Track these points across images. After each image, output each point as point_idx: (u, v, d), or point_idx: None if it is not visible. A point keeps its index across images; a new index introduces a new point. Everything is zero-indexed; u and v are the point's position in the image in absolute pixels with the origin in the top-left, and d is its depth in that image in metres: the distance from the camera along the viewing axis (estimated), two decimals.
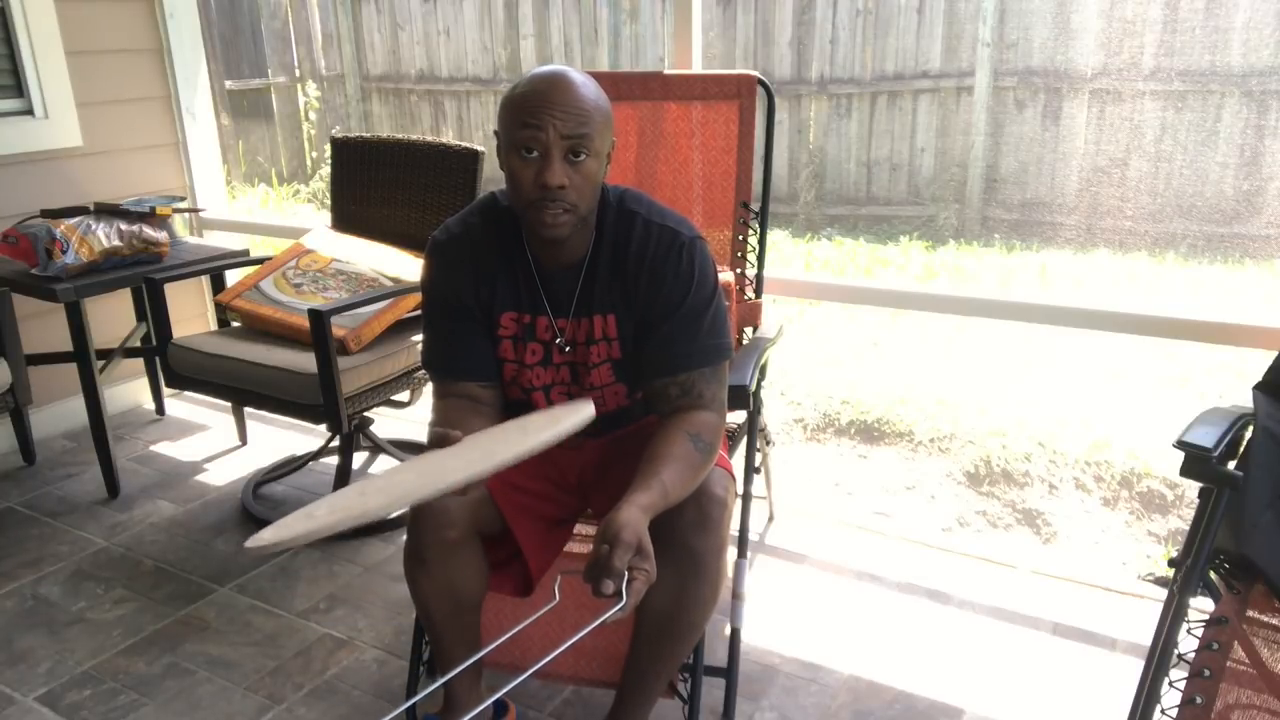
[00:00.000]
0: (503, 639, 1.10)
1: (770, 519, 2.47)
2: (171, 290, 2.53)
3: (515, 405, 1.56)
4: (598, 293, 1.45)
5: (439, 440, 1.26)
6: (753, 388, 1.92)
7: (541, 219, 1.34)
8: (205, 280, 3.17)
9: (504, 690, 1.12)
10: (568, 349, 1.49)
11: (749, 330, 2.13)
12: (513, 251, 1.46)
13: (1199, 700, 1.34)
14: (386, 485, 1.11)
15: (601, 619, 1.11)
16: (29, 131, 2.88)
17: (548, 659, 1.05)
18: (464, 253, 1.47)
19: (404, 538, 1.51)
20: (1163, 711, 1.41)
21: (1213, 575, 1.44)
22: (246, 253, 2.83)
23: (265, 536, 1.00)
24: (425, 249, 1.50)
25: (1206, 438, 1.38)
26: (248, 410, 2.98)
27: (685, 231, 1.44)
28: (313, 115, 7.17)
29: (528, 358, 1.49)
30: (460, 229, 1.48)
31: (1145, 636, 1.56)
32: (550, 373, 1.51)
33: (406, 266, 2.50)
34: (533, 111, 1.30)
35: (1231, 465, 1.45)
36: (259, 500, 2.61)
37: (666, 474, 1.30)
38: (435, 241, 1.49)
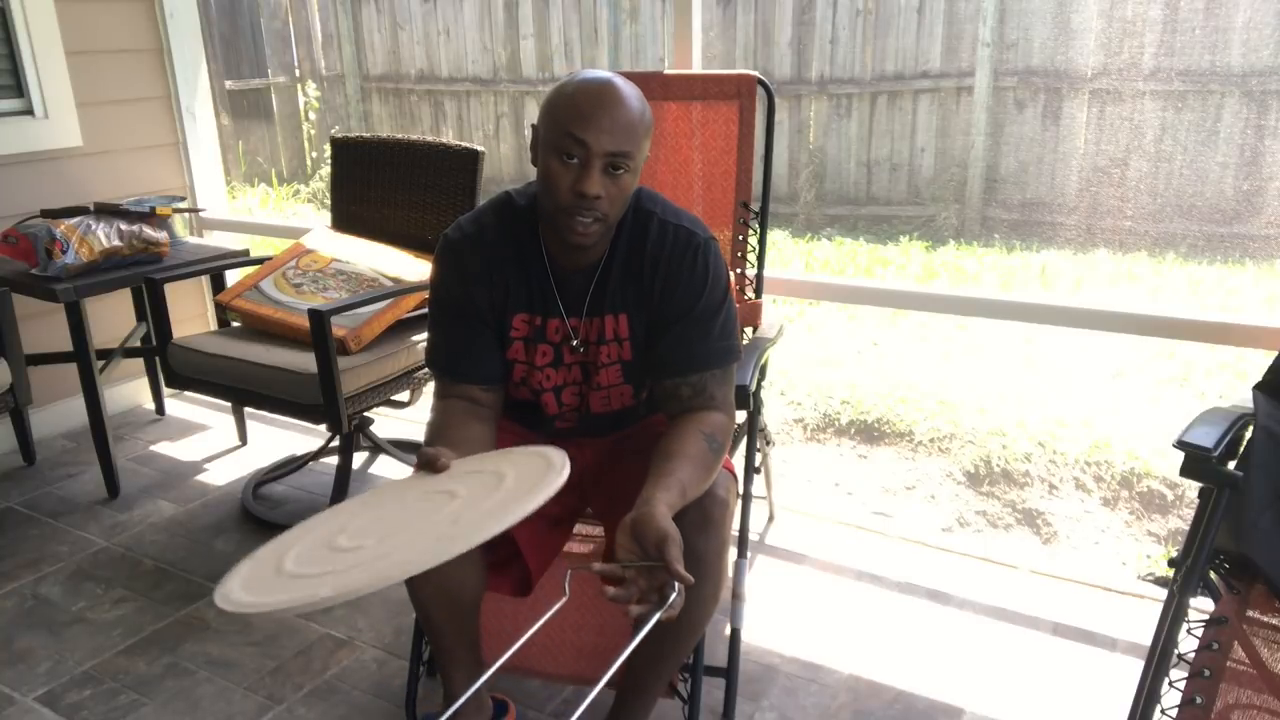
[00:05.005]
0: (516, 646, 1.09)
1: (770, 519, 2.47)
2: (171, 290, 2.53)
3: (524, 406, 1.56)
4: (610, 292, 1.45)
5: (428, 462, 1.26)
6: (753, 388, 1.92)
7: (572, 226, 1.33)
8: (205, 280, 3.17)
9: (587, 698, 1.12)
10: (581, 349, 1.48)
11: (749, 330, 2.13)
12: (527, 252, 1.46)
13: (1199, 700, 1.34)
14: (346, 570, 1.03)
15: (656, 617, 1.12)
16: (29, 131, 2.88)
17: (605, 678, 1.05)
18: (477, 252, 1.46)
19: None
20: (1163, 711, 1.41)
21: (1213, 575, 1.44)
22: (246, 253, 2.83)
23: (240, 599, 1.00)
24: (437, 247, 1.49)
25: (1206, 438, 1.38)
26: (248, 410, 2.98)
27: (700, 233, 1.44)
28: (313, 115, 7.17)
29: (538, 359, 1.49)
30: (474, 228, 1.47)
31: (1145, 636, 1.56)
32: (561, 373, 1.50)
33: (406, 266, 2.50)
34: (579, 123, 1.29)
35: (1231, 465, 1.45)
36: (259, 500, 2.61)
37: (683, 473, 1.30)
38: (448, 240, 1.48)
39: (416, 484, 1.25)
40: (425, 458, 1.27)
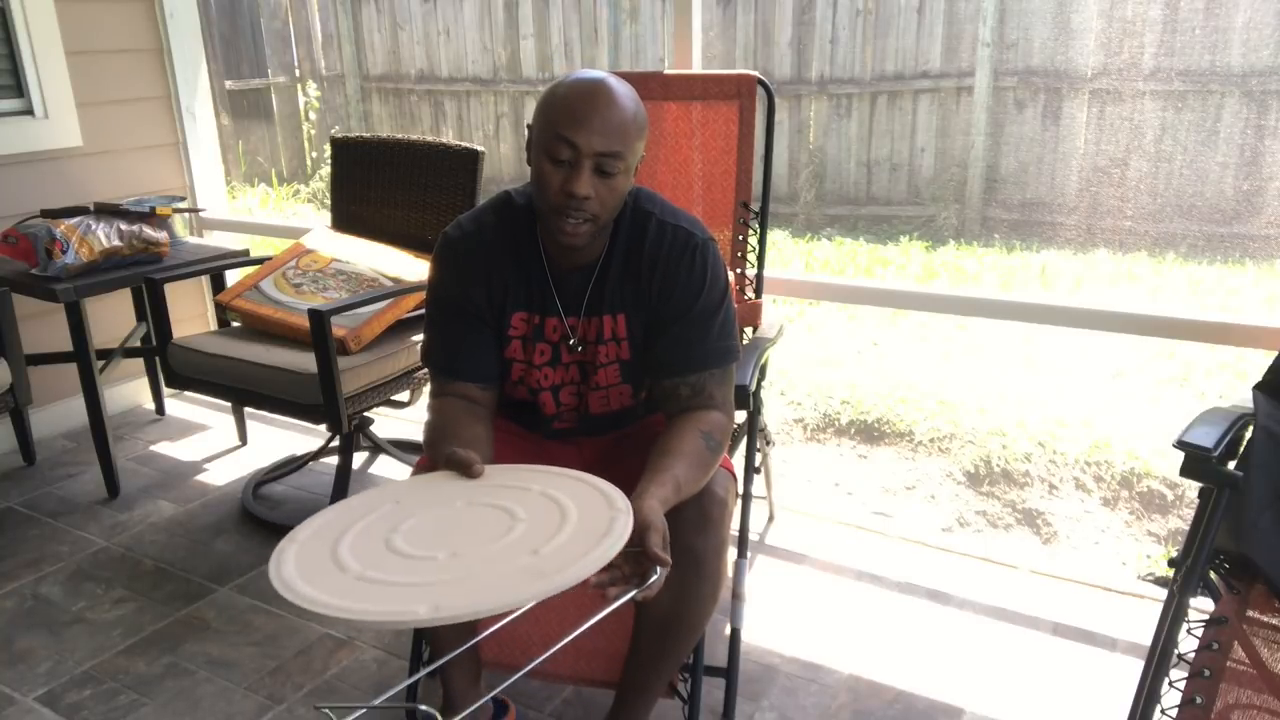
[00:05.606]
0: (500, 624, 1.10)
1: (770, 519, 2.47)
2: (171, 290, 2.53)
3: (521, 405, 1.56)
4: (608, 292, 1.45)
5: (461, 465, 1.26)
6: (753, 388, 1.92)
7: (562, 226, 1.34)
8: (205, 280, 3.17)
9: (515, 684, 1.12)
10: (580, 348, 1.49)
11: (749, 330, 2.13)
12: (526, 251, 1.46)
13: (1199, 700, 1.34)
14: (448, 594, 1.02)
15: (631, 594, 1.14)
16: (29, 131, 2.88)
17: (557, 646, 1.06)
18: (476, 251, 1.46)
19: None
20: (1163, 711, 1.41)
21: (1213, 575, 1.44)
22: (246, 253, 2.83)
23: (309, 594, 1.00)
24: (436, 245, 1.49)
25: (1206, 438, 1.38)
26: (248, 410, 2.98)
27: (699, 233, 1.44)
28: (313, 115, 7.17)
29: (536, 358, 1.49)
30: (474, 227, 1.47)
31: (1145, 636, 1.56)
32: (559, 372, 1.51)
33: (406, 266, 2.50)
34: (569, 124, 1.29)
35: (1231, 465, 1.45)
36: (259, 500, 2.61)
37: (679, 469, 1.30)
38: (447, 238, 1.48)
39: (454, 489, 1.24)
40: (458, 460, 1.26)
